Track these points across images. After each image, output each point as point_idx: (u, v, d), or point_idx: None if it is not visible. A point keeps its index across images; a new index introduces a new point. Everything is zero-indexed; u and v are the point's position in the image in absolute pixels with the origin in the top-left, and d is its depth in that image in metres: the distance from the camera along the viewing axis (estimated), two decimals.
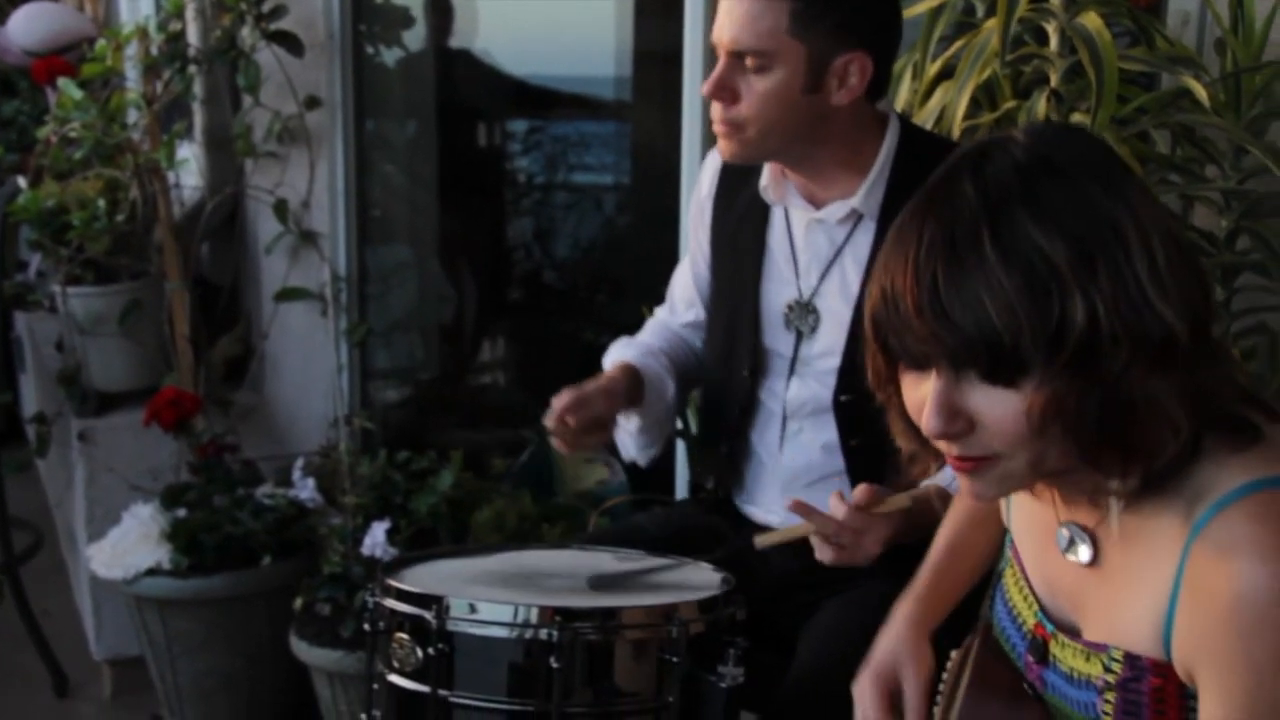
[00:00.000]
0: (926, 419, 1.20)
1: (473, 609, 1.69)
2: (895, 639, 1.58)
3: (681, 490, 3.14)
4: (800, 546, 2.04)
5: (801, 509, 1.86)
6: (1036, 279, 1.12)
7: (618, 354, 2.27)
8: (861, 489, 1.83)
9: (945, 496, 1.86)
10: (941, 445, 1.24)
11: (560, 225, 5.19)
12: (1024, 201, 1.14)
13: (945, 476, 1.84)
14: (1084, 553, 1.29)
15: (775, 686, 1.97)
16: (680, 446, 3.07)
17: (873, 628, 1.65)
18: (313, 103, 3.62)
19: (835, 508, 1.83)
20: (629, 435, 2.25)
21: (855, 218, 2.07)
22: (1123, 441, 1.16)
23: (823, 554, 1.85)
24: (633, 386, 2.19)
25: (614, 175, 5.21)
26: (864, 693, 1.55)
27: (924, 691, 1.53)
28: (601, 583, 1.84)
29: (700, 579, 1.89)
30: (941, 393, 1.19)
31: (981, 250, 1.13)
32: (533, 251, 5.13)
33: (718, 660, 1.73)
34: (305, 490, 3.26)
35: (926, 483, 1.89)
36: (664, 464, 3.31)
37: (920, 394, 1.22)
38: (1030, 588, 1.38)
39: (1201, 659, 1.18)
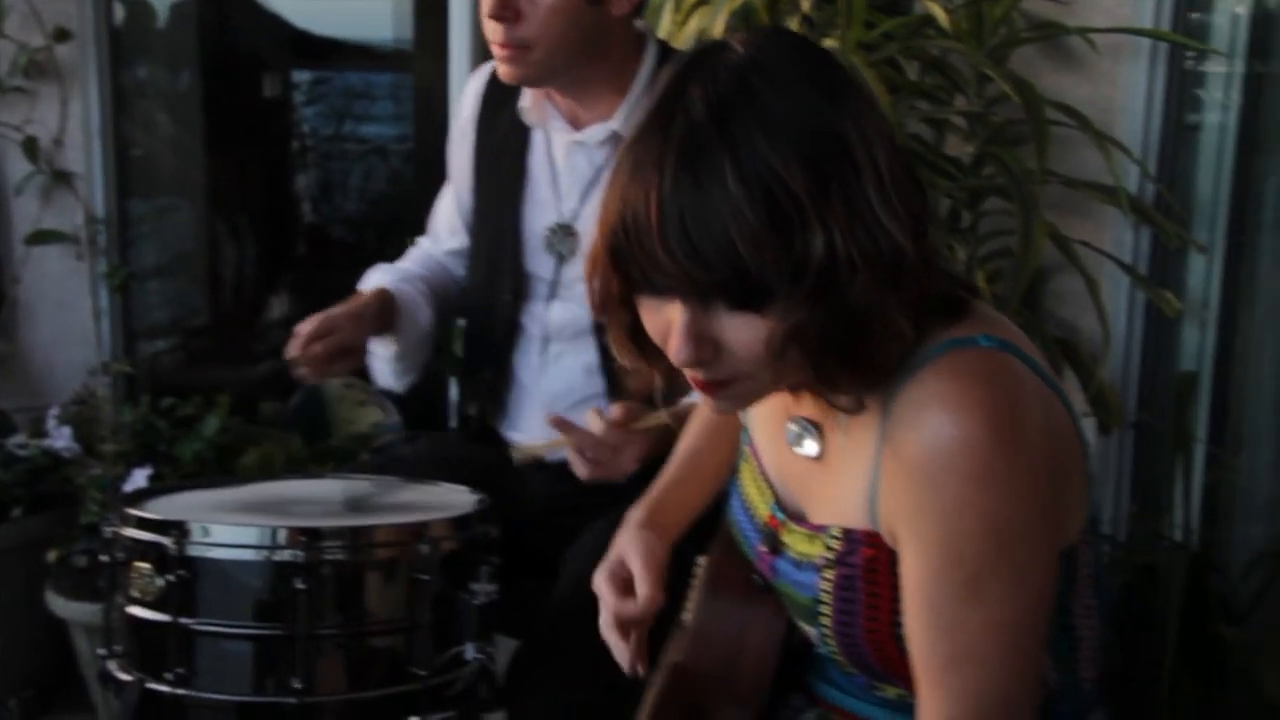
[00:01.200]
0: (674, 348, 1.20)
1: (213, 532, 1.64)
2: (625, 538, 1.57)
3: (455, 424, 3.12)
4: (562, 471, 2.05)
5: (559, 424, 1.85)
6: (778, 208, 1.13)
7: (373, 279, 2.23)
8: (620, 405, 1.84)
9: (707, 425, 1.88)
10: (687, 371, 1.25)
11: (339, 175, 5.09)
12: (756, 119, 1.14)
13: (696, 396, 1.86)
14: (811, 447, 1.32)
15: (538, 611, 1.97)
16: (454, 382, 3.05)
17: None
18: (62, 35, 3.45)
19: (593, 423, 1.83)
20: (383, 362, 2.22)
21: (615, 139, 2.06)
22: (855, 358, 1.19)
23: (580, 469, 1.85)
24: (386, 312, 2.15)
25: (395, 126, 5.14)
26: (601, 587, 1.55)
27: (652, 572, 1.50)
28: (354, 505, 1.81)
29: (456, 500, 1.88)
30: (689, 323, 1.19)
31: (723, 179, 1.13)
32: (310, 201, 5.02)
33: (471, 578, 1.72)
34: (61, 439, 3.12)
35: (686, 401, 1.92)
36: (440, 400, 3.30)
37: (661, 319, 1.22)
38: (766, 479, 1.40)
39: (900, 518, 1.22)
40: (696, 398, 1.82)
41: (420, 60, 4.59)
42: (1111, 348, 2.57)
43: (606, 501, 2.02)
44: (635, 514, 1.59)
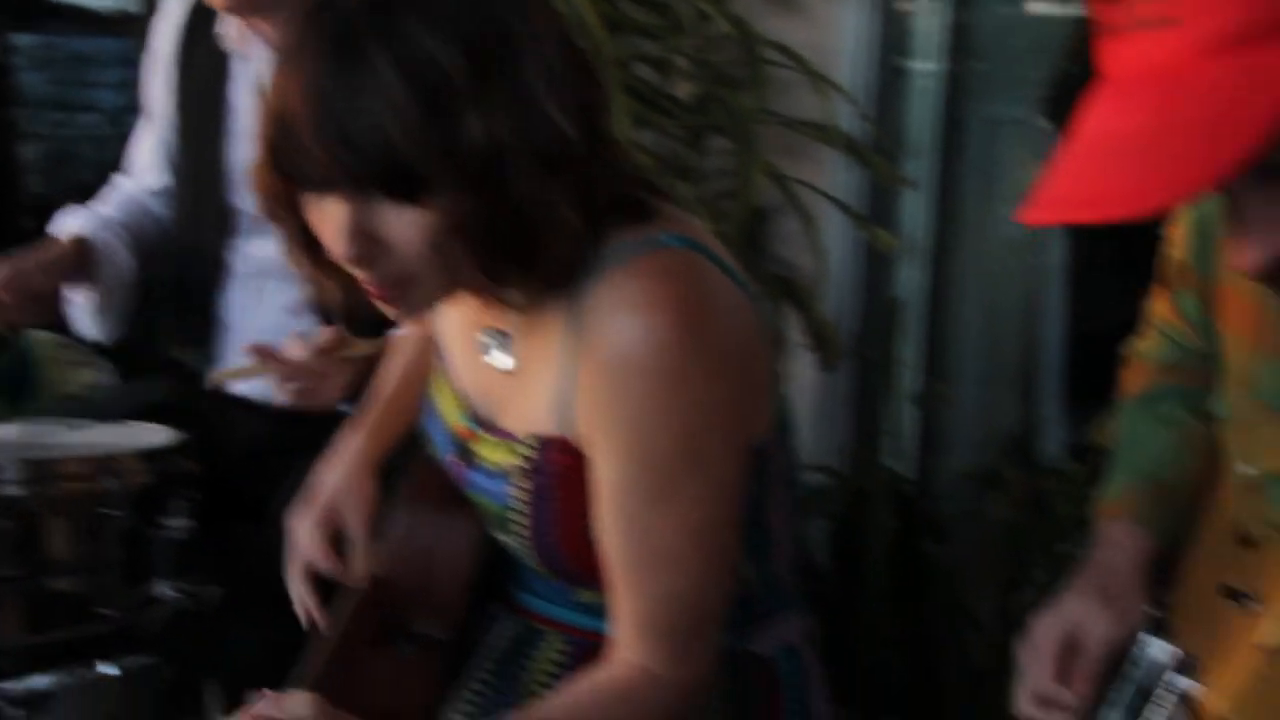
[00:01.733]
0: (336, 245, 1.16)
1: None
2: (337, 476, 1.53)
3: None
4: (270, 412, 1.98)
5: (259, 352, 1.78)
6: (434, 96, 1.09)
7: (67, 225, 2.12)
8: (327, 331, 1.78)
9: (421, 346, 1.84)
10: (356, 272, 1.20)
11: (68, 145, 4.87)
12: (412, 6, 1.10)
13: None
14: (500, 358, 1.29)
15: (245, 554, 1.90)
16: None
17: None
18: None
19: (295, 350, 1.77)
20: (83, 311, 2.11)
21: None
22: (522, 253, 1.16)
23: (282, 396, 1.79)
24: (82, 259, 2.05)
25: (125, 94, 4.93)
26: (305, 533, 1.49)
27: (367, 527, 1.49)
28: (35, 442, 1.71)
29: (149, 437, 1.79)
30: (349, 218, 1.14)
31: (376, 67, 1.08)
32: (39, 173, 4.79)
33: (165, 513, 1.64)
34: None
35: (395, 333, 1.87)
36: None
37: (328, 220, 1.17)
38: (457, 391, 1.37)
39: (591, 422, 1.20)
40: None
41: (145, 25, 4.40)
42: (830, 284, 2.63)
43: (315, 442, 1.96)
44: (350, 444, 1.54)
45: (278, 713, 1.09)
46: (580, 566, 1.28)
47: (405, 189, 1.12)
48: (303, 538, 1.50)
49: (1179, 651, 1.15)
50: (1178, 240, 1.26)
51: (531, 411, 1.26)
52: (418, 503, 1.39)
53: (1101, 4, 0.89)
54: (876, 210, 2.72)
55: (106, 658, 1.59)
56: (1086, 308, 2.74)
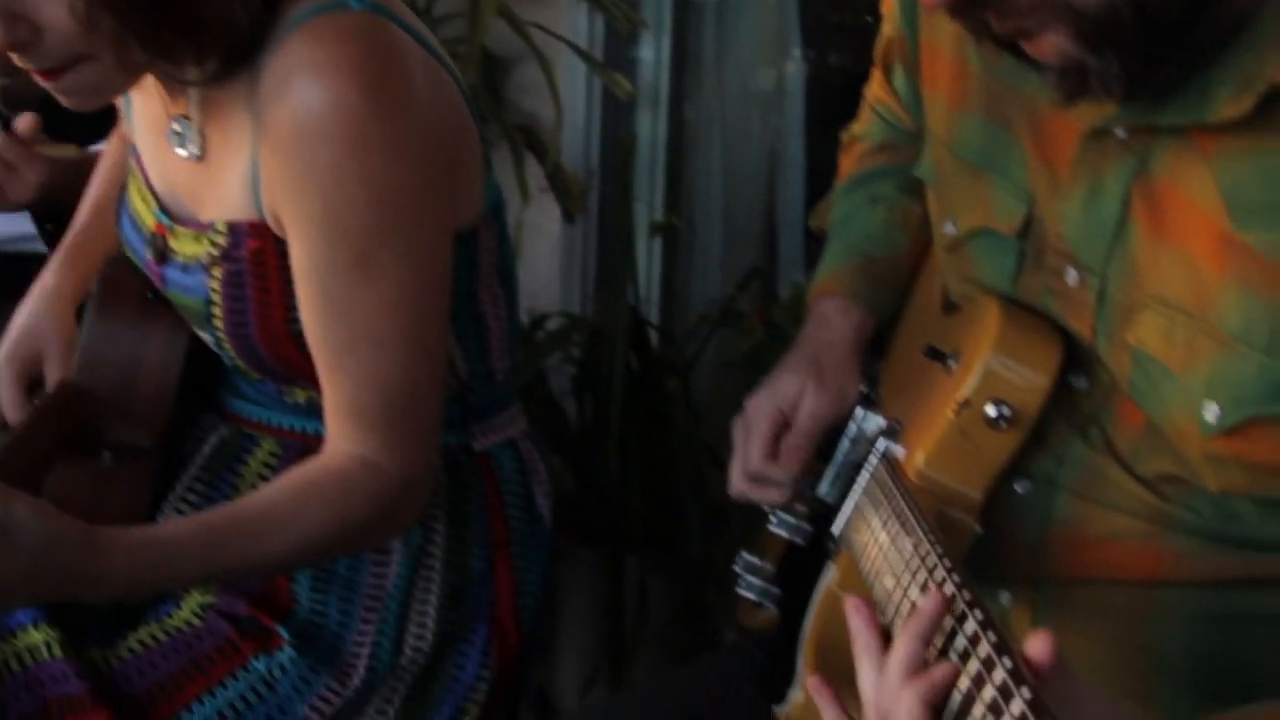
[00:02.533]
0: None
1: None
2: (35, 315, 1.42)
3: None
4: None
5: None
6: None
7: None
8: (25, 118, 1.65)
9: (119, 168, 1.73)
10: (17, 60, 1.11)
11: None
12: None
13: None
14: (192, 147, 1.22)
15: None
16: None
17: None
18: None
19: None
20: None
21: None
22: (178, 19, 1.09)
23: None
24: None
25: None
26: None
27: (65, 359, 1.40)
28: None
29: None
30: None
31: None
32: None
33: None
34: None
35: (98, 147, 1.76)
36: None
37: None
38: (150, 189, 1.29)
39: (281, 199, 1.14)
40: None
41: None
42: (570, 132, 2.60)
43: (18, 286, 1.84)
44: (46, 279, 1.44)
45: None
46: (282, 361, 1.23)
47: None
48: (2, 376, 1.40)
49: (887, 420, 1.17)
50: (890, 13, 1.27)
51: (224, 198, 1.20)
52: (113, 311, 1.31)
53: None
54: (614, 56, 2.69)
55: None
56: (827, 156, 2.78)
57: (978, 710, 0.73)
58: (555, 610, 2.21)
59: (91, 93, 1.16)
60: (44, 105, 1.61)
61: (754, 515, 1.39)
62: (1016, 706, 0.69)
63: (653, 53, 2.75)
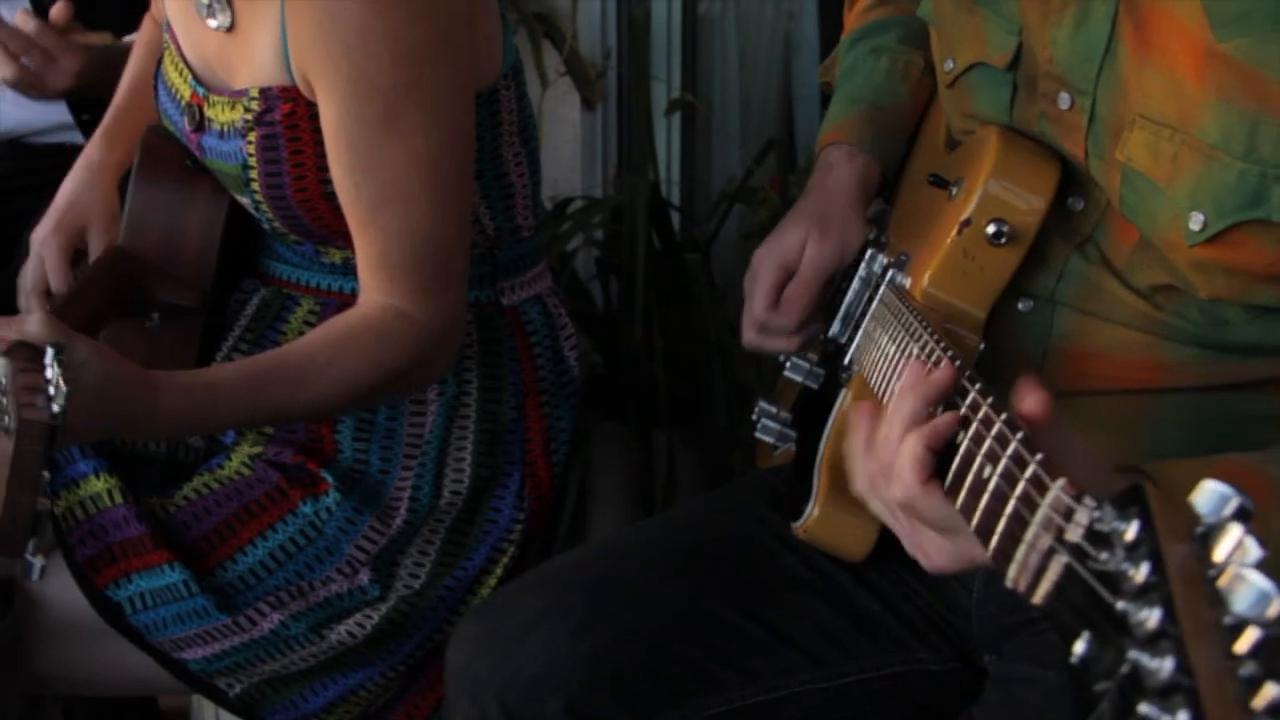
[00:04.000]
0: None
1: None
2: (79, 187, 1.49)
3: None
4: (7, 149, 1.91)
5: None
6: None
7: None
8: (60, 5, 1.71)
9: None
10: None
11: None
12: None
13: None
14: (222, 18, 1.27)
15: None
16: None
17: None
18: None
19: (24, 23, 1.70)
20: None
21: None
22: None
23: (6, 72, 1.71)
24: None
25: None
26: (41, 240, 1.47)
27: (110, 227, 1.47)
28: None
29: None
30: None
31: None
32: None
33: None
34: None
35: (130, 37, 1.81)
36: None
37: None
38: (185, 61, 1.35)
39: (309, 62, 1.20)
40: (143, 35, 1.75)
41: None
42: (587, 17, 2.63)
43: (56, 176, 1.90)
44: (89, 154, 1.51)
45: (9, 332, 1.09)
46: (318, 221, 1.28)
47: None
48: (38, 244, 1.47)
49: (894, 257, 1.22)
50: None
51: (255, 66, 1.25)
52: (156, 179, 1.37)
53: None
54: None
55: None
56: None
57: (978, 461, 0.79)
58: (587, 469, 2.27)
59: None
60: None
61: (773, 383, 1.43)
62: (1012, 447, 0.75)
63: None
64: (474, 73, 1.26)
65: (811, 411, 1.30)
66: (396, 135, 1.20)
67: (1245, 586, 0.51)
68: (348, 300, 1.33)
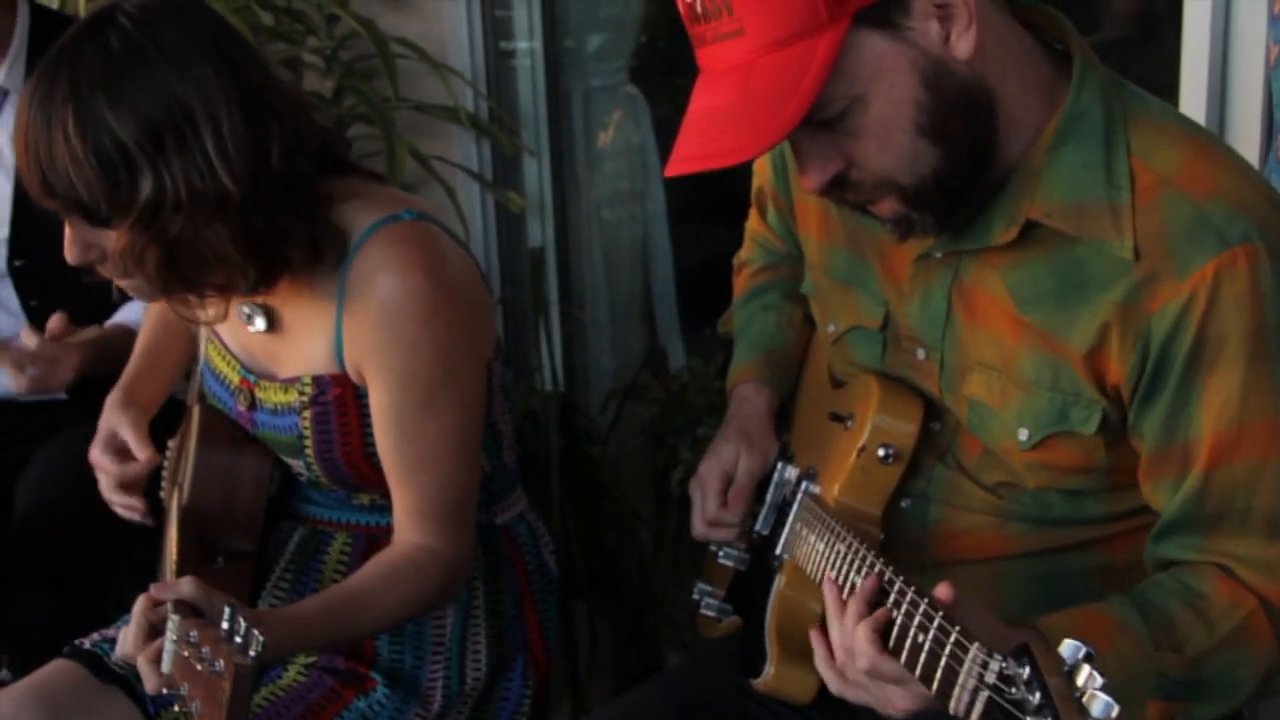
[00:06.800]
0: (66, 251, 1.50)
1: None
2: (109, 418, 1.76)
3: None
4: (5, 407, 2.18)
5: None
6: (109, 160, 1.41)
7: None
8: (55, 318, 2.01)
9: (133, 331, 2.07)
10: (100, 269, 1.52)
11: None
12: (104, 85, 1.41)
13: (131, 312, 2.08)
14: (259, 323, 1.61)
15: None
16: None
17: (84, 471, 1.78)
18: None
19: (28, 340, 2.00)
20: None
21: (3, 94, 2.20)
22: (192, 278, 1.49)
23: (19, 385, 2.01)
24: None
25: None
26: (100, 460, 1.72)
27: (144, 436, 1.74)
28: None
29: None
30: (70, 231, 1.49)
31: (66, 132, 1.41)
32: None
33: None
34: None
35: (114, 320, 2.13)
36: None
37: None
38: (230, 353, 1.69)
39: (365, 359, 1.54)
40: (122, 315, 2.07)
41: None
42: (471, 243, 3.02)
43: (49, 429, 2.18)
44: (112, 399, 1.78)
45: (169, 593, 1.40)
46: (359, 476, 1.63)
47: (92, 220, 1.46)
48: (101, 464, 1.74)
49: (804, 469, 1.60)
50: (762, 173, 1.73)
51: (306, 358, 1.60)
52: (212, 445, 1.69)
53: (691, 24, 1.29)
54: (504, 175, 3.12)
55: None
56: (687, 246, 3.26)
57: (912, 631, 1.17)
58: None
59: (145, 294, 1.56)
60: (55, 286, 1.95)
61: (675, 553, 1.75)
62: (936, 622, 1.14)
63: (535, 170, 3.19)
64: (483, 355, 1.62)
65: (748, 588, 1.67)
66: (434, 414, 1.55)
67: (1098, 701, 0.92)
68: (374, 532, 1.68)
